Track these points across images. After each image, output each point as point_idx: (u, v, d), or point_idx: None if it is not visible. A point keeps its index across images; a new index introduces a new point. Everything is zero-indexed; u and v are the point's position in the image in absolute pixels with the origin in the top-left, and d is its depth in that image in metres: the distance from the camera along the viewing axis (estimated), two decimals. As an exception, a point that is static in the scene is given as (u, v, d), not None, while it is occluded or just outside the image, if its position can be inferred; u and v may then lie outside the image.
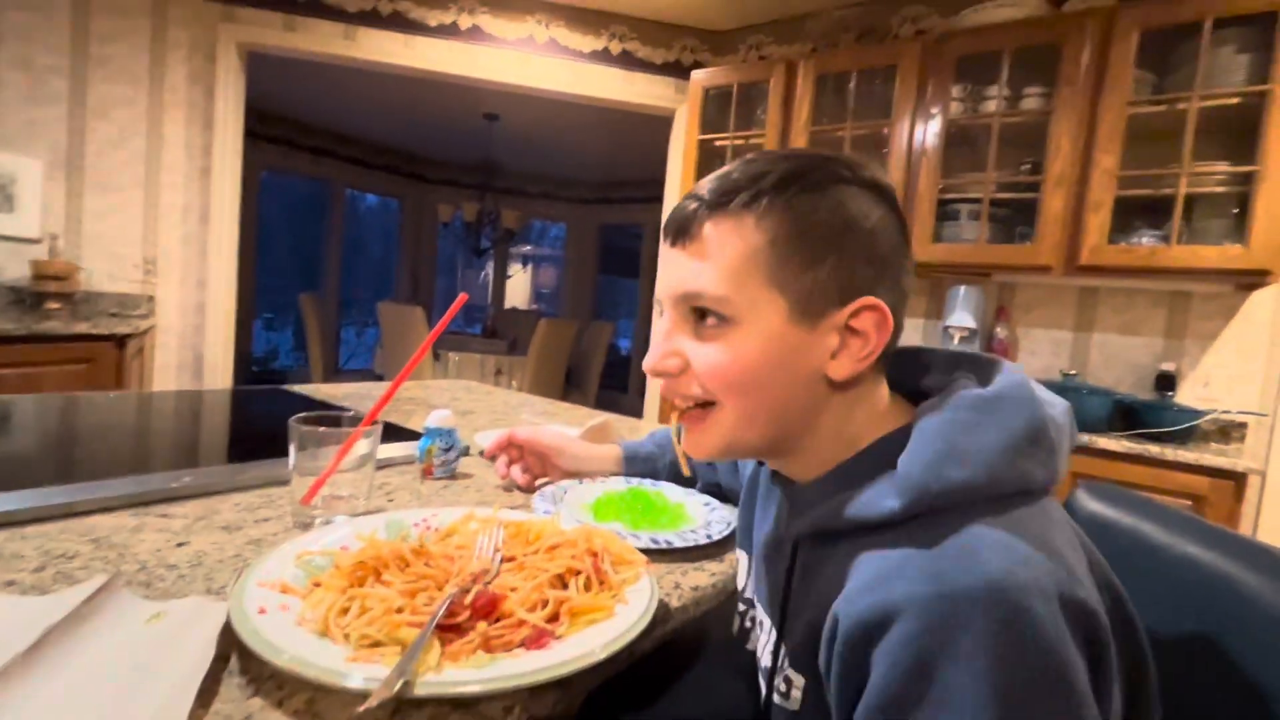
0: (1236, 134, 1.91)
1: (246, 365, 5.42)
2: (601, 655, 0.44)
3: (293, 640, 0.42)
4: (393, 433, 1.03)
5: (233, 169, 2.93)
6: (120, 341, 2.38)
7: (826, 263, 0.46)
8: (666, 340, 0.50)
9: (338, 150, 5.79)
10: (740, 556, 0.65)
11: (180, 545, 0.60)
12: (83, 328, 2.27)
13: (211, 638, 0.43)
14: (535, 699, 0.44)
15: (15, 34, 2.45)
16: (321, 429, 0.68)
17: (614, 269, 7.10)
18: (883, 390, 0.51)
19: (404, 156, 6.27)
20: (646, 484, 0.87)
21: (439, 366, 4.54)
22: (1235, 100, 1.85)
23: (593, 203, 6.71)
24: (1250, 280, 1.90)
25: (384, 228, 6.87)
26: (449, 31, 3.00)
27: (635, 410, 3.19)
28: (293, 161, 5.54)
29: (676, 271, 0.49)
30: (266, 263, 5.66)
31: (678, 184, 3.05)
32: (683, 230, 0.49)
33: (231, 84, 2.88)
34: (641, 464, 0.92)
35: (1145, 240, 1.99)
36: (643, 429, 1.45)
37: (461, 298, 0.82)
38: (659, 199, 3.29)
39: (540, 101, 3.34)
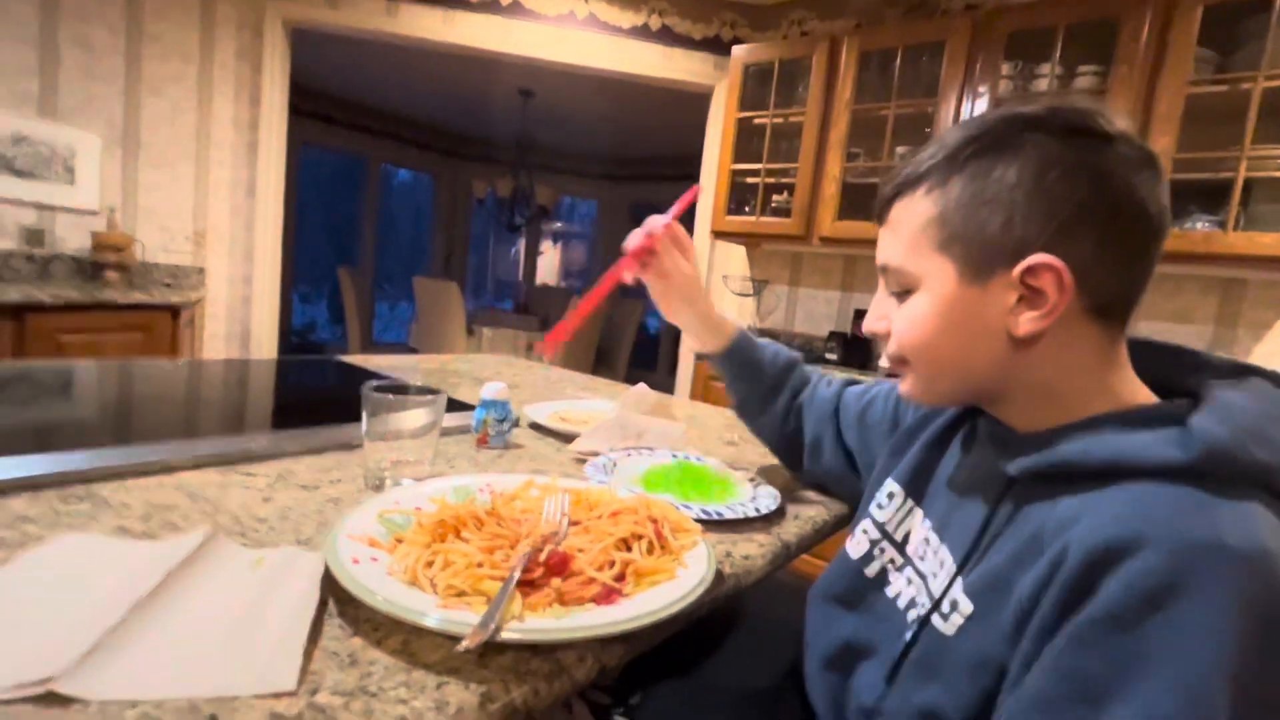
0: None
1: (287, 337, 5.58)
2: (669, 612, 0.47)
3: (386, 587, 0.46)
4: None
5: (278, 144, 3.00)
6: (174, 311, 2.47)
7: (993, 223, 0.47)
8: (878, 305, 0.58)
9: (374, 125, 5.86)
10: (894, 490, 0.65)
11: (266, 500, 0.65)
12: (139, 297, 2.37)
13: (315, 582, 0.47)
14: (605, 649, 0.47)
15: (73, 13, 2.53)
16: (392, 396, 0.72)
17: (645, 247, 7.08)
18: (1107, 349, 0.49)
19: (439, 132, 6.31)
20: (693, 458, 0.89)
21: (472, 341, 4.62)
22: (1303, 80, 1.78)
23: (625, 180, 6.70)
24: (1310, 269, 1.84)
25: (415, 203, 6.95)
26: (489, 7, 3.00)
27: (664, 389, 3.21)
28: (330, 136, 5.63)
29: (879, 246, 0.56)
30: (302, 237, 5.78)
31: (715, 162, 3.03)
32: (879, 212, 0.57)
33: (277, 59, 2.93)
34: (744, 365, 0.87)
35: (1200, 225, 1.94)
36: (680, 405, 1.48)
37: (620, 265, 0.78)
38: (693, 177, 3.28)
39: (576, 77, 3.34)
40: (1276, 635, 0.36)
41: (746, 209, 2.83)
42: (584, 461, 0.88)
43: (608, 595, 0.49)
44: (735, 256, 3.22)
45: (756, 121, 2.78)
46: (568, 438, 1.00)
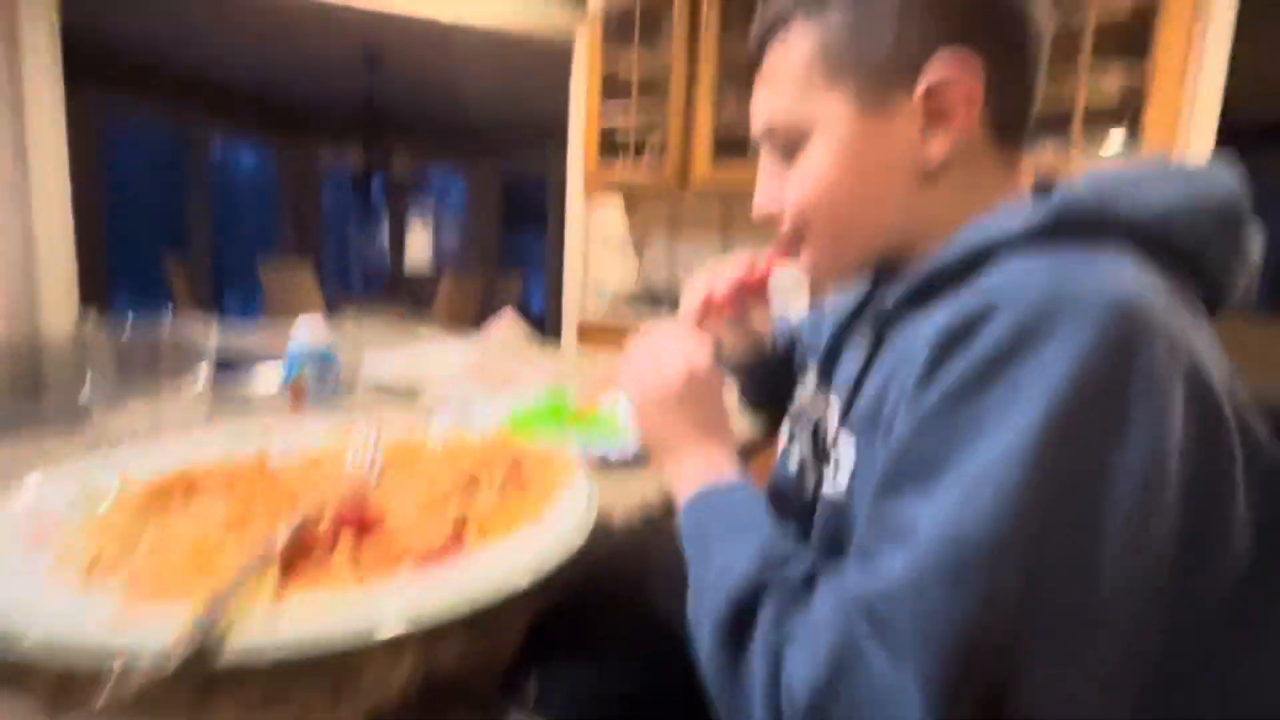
0: (1130, 42, 1.95)
1: (107, 343, 4.79)
2: (526, 578, 0.31)
3: (35, 599, 0.27)
4: (249, 368, 0.84)
5: (52, 97, 2.47)
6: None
7: (884, 40, 0.42)
8: (765, 181, 0.50)
9: (198, 95, 5.12)
10: (810, 375, 0.59)
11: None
12: None
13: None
14: (435, 646, 0.30)
15: None
16: (127, 337, 0.50)
17: (518, 221, 6.78)
18: (1009, 175, 0.46)
19: (277, 103, 5.64)
20: (572, 391, 0.74)
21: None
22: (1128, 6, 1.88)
23: (492, 152, 6.34)
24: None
25: (266, 193, 6.19)
26: (310, -61, 2.62)
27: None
28: (145, 108, 4.85)
29: (754, 110, 0.49)
30: (129, 232, 4.99)
31: (581, 121, 2.85)
32: (753, 67, 0.49)
33: (39, -3, 2.39)
34: (769, 367, 0.78)
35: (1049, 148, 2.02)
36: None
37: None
38: (562, 143, 3.08)
39: (428, 38, 3.03)
40: (1126, 392, 0.30)
41: (619, 162, 2.69)
42: (436, 413, 0.70)
43: (435, 564, 0.32)
44: (612, 214, 3.07)
45: (622, 69, 2.62)
46: (419, 389, 0.81)
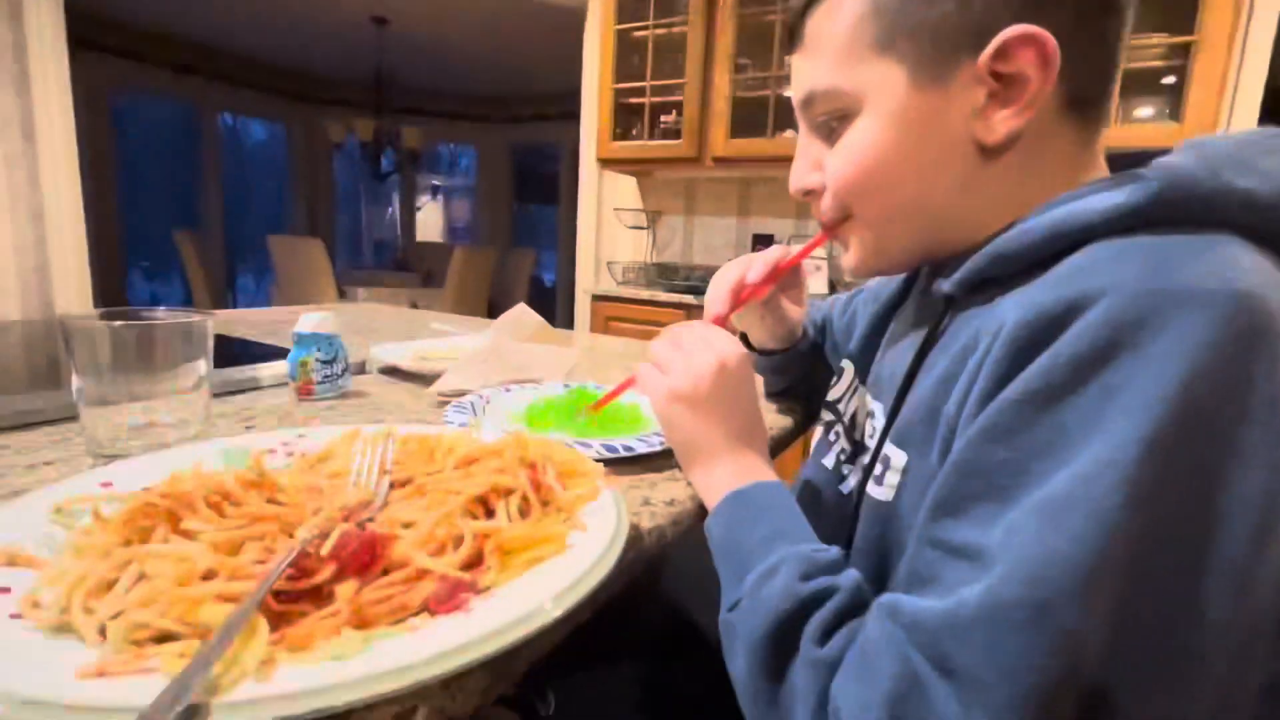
0: (1174, 7, 1.84)
1: (122, 317, 4.81)
2: (561, 609, 0.28)
3: (-5, 648, 0.23)
4: (254, 354, 0.81)
5: (58, 72, 2.42)
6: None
7: (946, 1, 0.37)
8: (803, 155, 0.46)
9: (205, 66, 5.05)
10: (845, 365, 0.57)
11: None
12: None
13: None
14: (451, 693, 0.27)
15: None
16: (115, 326, 0.46)
17: (530, 195, 6.69)
18: (1082, 156, 0.40)
19: (286, 73, 5.56)
20: (592, 385, 0.70)
21: (346, 304, 4.17)
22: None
23: (503, 121, 6.23)
24: (1184, 158, 1.87)
25: (277, 166, 6.13)
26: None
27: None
28: (150, 79, 4.79)
29: (794, 80, 0.45)
30: (139, 203, 4.97)
31: (595, 90, 2.76)
32: (793, 34, 0.45)
33: (40, -36, 2.34)
34: (798, 357, 0.73)
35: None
36: (574, 338, 1.28)
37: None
38: (575, 114, 2.99)
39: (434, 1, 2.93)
40: (1251, 398, 0.26)
41: (634, 133, 2.61)
42: (446, 405, 0.67)
43: (451, 596, 0.28)
44: (626, 187, 3.00)
45: (636, 34, 2.53)
46: (429, 379, 0.78)
